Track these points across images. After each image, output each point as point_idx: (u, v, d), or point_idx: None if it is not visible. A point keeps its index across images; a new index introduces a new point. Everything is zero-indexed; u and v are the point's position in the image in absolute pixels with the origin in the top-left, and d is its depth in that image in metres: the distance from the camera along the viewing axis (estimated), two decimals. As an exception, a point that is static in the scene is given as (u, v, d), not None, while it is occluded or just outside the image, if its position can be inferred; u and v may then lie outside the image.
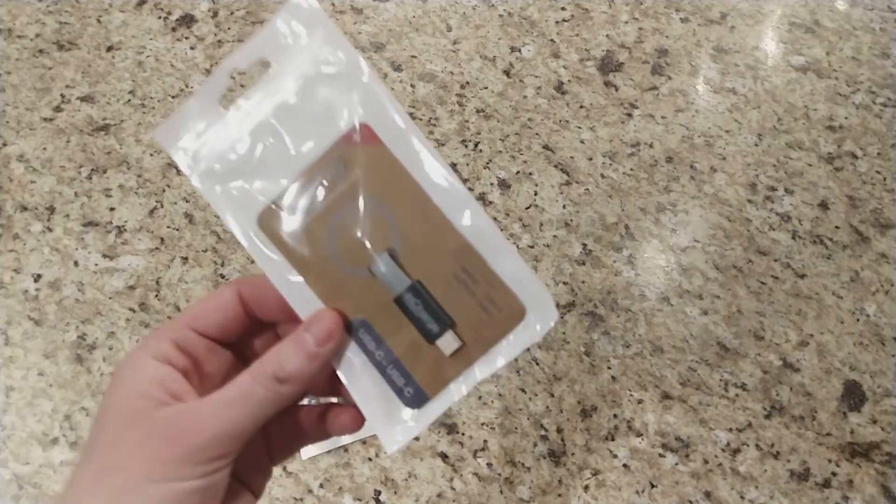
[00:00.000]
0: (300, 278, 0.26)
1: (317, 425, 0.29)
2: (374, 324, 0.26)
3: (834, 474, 0.54)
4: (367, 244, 0.26)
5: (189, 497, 0.23)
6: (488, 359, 0.26)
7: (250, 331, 0.28)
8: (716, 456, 0.55)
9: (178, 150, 0.27)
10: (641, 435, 0.55)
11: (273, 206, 0.27)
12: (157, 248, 0.63)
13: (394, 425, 0.27)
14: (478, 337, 0.26)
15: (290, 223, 0.26)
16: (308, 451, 0.54)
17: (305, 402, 0.29)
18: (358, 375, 0.27)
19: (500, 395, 0.57)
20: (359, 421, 0.28)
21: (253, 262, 0.62)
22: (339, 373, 0.27)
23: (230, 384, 0.25)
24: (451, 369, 0.26)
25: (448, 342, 0.26)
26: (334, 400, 0.29)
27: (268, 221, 0.27)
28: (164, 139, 0.27)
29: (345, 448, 0.55)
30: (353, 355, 0.27)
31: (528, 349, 0.59)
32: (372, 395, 0.27)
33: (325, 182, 0.26)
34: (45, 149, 0.68)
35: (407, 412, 0.27)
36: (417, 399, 0.26)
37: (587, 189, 0.66)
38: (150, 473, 0.23)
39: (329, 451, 0.55)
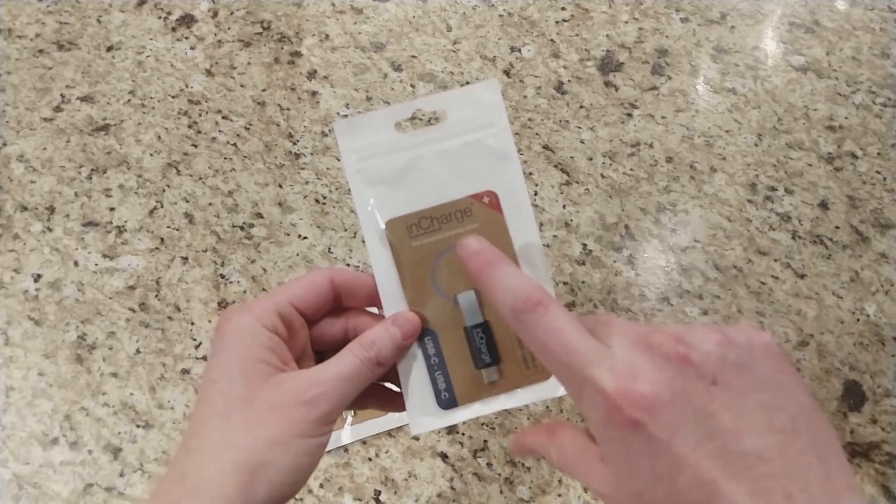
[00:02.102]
0: (399, 281, 0.33)
1: (368, 396, 0.33)
2: (441, 338, 0.33)
3: (834, 474, 0.54)
4: (461, 280, 0.33)
5: (319, 449, 0.28)
6: (511, 396, 0.33)
7: (326, 313, 0.33)
8: (716, 456, 0.55)
9: (349, 146, 0.33)
10: (641, 435, 0.55)
11: (402, 219, 0.33)
12: (157, 248, 0.63)
13: (424, 416, 0.33)
14: (512, 378, 0.33)
15: (410, 237, 0.33)
16: (308, 451, 0.54)
17: None
18: (412, 369, 0.33)
19: (500, 395, 0.57)
20: (402, 406, 0.33)
21: (254, 261, 0.62)
22: (398, 363, 0.32)
23: (340, 362, 0.29)
24: (483, 392, 0.33)
25: (491, 373, 0.33)
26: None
27: (393, 229, 0.33)
28: (341, 134, 0.33)
29: (345, 448, 0.55)
30: (414, 352, 0.33)
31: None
32: (416, 386, 0.33)
33: (448, 220, 0.33)
34: (45, 149, 0.68)
35: (437, 409, 0.33)
36: (449, 403, 0.33)
37: (587, 189, 0.66)
38: (295, 431, 0.27)
39: (329, 451, 0.55)
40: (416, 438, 0.55)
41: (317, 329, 0.33)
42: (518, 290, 0.26)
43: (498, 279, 0.27)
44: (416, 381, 0.33)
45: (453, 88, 0.34)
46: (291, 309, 0.31)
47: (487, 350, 0.32)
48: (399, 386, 0.33)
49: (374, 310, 0.34)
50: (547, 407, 0.56)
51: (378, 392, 0.34)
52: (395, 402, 0.33)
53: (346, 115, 0.70)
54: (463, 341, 0.33)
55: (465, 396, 0.32)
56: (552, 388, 0.32)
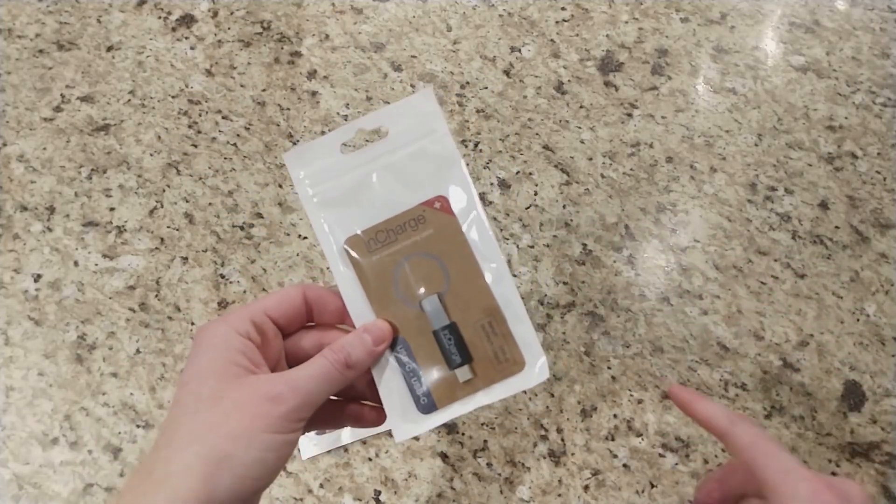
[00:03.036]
0: (364, 295, 0.34)
1: (345, 416, 0.35)
2: (412, 345, 0.34)
3: (834, 474, 0.54)
4: (423, 286, 0.34)
5: (286, 447, 0.29)
6: (489, 392, 0.34)
7: (300, 325, 0.34)
8: (716, 456, 0.55)
9: (299, 173, 0.35)
10: (641, 435, 0.56)
11: (359, 235, 0.34)
12: (157, 248, 0.63)
13: (406, 422, 0.33)
14: (486, 375, 0.34)
15: (369, 252, 0.34)
16: (308, 451, 0.54)
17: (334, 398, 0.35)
18: (389, 378, 0.33)
19: (500, 395, 0.57)
20: (382, 419, 0.34)
21: (254, 261, 0.62)
22: (374, 373, 0.33)
23: (310, 364, 0.31)
24: (459, 392, 0.33)
25: (464, 372, 0.33)
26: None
27: (353, 245, 0.34)
28: (291, 163, 0.35)
29: (345, 448, 0.55)
30: (388, 363, 0.34)
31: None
32: (395, 395, 0.33)
33: (403, 230, 0.34)
34: (45, 149, 0.68)
35: (418, 415, 0.33)
36: (429, 407, 0.33)
37: (587, 189, 0.66)
38: (260, 425, 0.28)
39: (329, 451, 0.55)
40: (416, 438, 0.55)
41: (291, 343, 0.34)
42: (720, 411, 0.33)
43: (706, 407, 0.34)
44: (395, 390, 0.33)
45: (393, 103, 0.35)
46: (265, 318, 0.32)
47: (457, 350, 0.33)
48: (373, 401, 0.34)
49: (347, 328, 0.35)
50: (547, 407, 0.56)
51: (351, 411, 0.35)
52: (370, 418, 0.35)
53: (345, 116, 0.70)
54: (433, 345, 0.33)
55: (443, 398, 0.33)
56: (526, 380, 0.33)
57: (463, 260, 0.34)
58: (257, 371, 0.30)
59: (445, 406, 0.33)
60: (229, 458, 0.27)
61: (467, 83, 0.72)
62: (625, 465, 0.54)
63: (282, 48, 0.74)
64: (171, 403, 0.29)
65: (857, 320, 0.60)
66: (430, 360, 0.33)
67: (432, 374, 0.33)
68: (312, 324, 0.35)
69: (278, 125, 0.69)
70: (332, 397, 0.33)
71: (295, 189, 0.36)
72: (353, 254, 0.34)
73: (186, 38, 0.74)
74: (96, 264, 0.62)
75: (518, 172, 0.67)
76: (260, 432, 0.28)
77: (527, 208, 0.65)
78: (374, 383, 0.34)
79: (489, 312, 0.34)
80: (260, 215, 0.64)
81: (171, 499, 0.26)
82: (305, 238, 0.63)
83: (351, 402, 0.35)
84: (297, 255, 0.62)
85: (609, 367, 0.58)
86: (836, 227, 0.64)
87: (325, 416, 0.34)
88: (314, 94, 0.71)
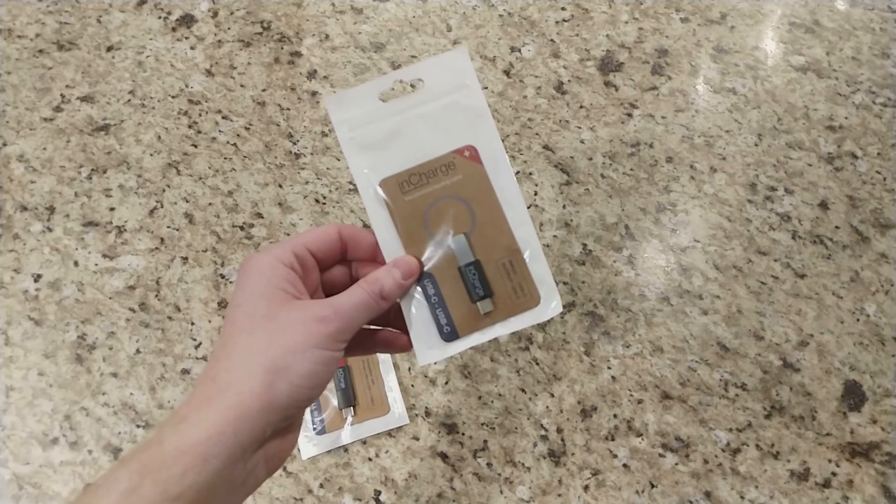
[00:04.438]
0: (396, 233, 0.36)
1: (377, 342, 0.38)
2: (438, 279, 0.36)
3: (834, 474, 0.54)
4: (451, 226, 0.37)
5: (332, 363, 0.32)
6: (506, 324, 0.36)
7: (336, 261, 0.37)
8: (716, 456, 0.55)
9: (340, 119, 0.37)
10: (641, 435, 0.56)
11: (393, 178, 0.37)
12: (157, 248, 0.63)
13: (430, 348, 0.36)
14: (504, 308, 0.36)
15: (402, 193, 0.37)
16: (308, 451, 0.54)
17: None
18: (415, 309, 0.36)
19: (500, 395, 0.57)
20: (410, 345, 0.37)
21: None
22: (402, 304, 0.36)
23: (350, 293, 0.33)
24: (480, 322, 0.36)
25: (485, 305, 0.36)
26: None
27: (387, 186, 0.37)
28: (332, 107, 0.37)
29: (345, 448, 0.55)
30: (415, 295, 0.36)
31: (529, 349, 0.59)
32: (421, 324, 0.36)
33: (435, 174, 0.37)
34: (45, 149, 0.68)
35: (441, 342, 0.36)
36: (451, 335, 0.36)
37: (587, 189, 0.66)
38: (311, 342, 0.31)
39: (329, 451, 0.55)
40: (416, 438, 0.55)
41: (328, 276, 0.37)
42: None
43: None
44: (420, 319, 0.36)
45: (430, 57, 0.37)
46: (306, 251, 0.35)
47: (480, 284, 0.36)
48: (401, 329, 0.37)
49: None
50: (547, 407, 0.56)
51: (382, 337, 0.38)
52: (399, 344, 0.38)
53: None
54: (458, 280, 0.36)
55: (465, 328, 0.36)
56: (540, 314, 0.36)
57: (488, 204, 0.37)
58: (302, 297, 0.33)
59: (466, 335, 0.36)
60: (287, 369, 0.30)
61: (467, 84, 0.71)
62: (625, 465, 0.54)
63: (282, 48, 0.74)
64: (224, 323, 0.33)
65: (857, 320, 0.60)
66: (455, 294, 0.36)
67: (456, 306, 0.36)
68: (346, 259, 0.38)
69: (278, 125, 0.69)
70: (365, 326, 0.36)
71: (335, 132, 0.39)
72: (387, 195, 0.37)
73: (186, 38, 0.74)
74: (96, 264, 0.62)
75: (518, 172, 0.67)
76: (312, 347, 0.31)
77: (527, 208, 0.65)
78: (401, 314, 0.37)
79: (510, 252, 0.37)
80: (260, 215, 0.64)
81: (236, 402, 0.29)
82: (305, 238, 0.63)
83: (382, 329, 0.38)
84: (297, 255, 0.62)
85: (609, 367, 0.58)
86: (836, 227, 0.64)
87: (361, 341, 0.37)
88: (314, 94, 0.71)
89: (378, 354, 0.58)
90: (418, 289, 0.36)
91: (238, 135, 0.69)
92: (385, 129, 0.37)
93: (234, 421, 0.29)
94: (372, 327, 0.38)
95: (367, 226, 0.38)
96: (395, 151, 0.37)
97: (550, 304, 0.37)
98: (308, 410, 0.35)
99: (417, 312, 0.37)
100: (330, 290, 0.37)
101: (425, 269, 0.37)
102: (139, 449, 0.28)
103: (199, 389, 0.30)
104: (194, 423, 0.29)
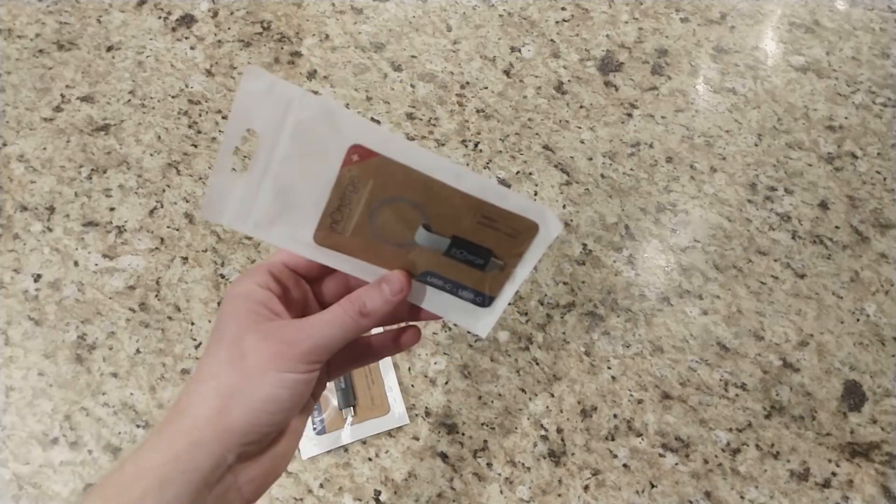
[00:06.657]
0: (363, 264, 0.35)
1: (374, 351, 0.38)
2: (438, 271, 0.35)
3: (834, 474, 0.54)
4: (405, 226, 0.34)
5: (299, 385, 0.31)
6: (524, 264, 0.35)
7: (325, 272, 0.37)
8: (716, 456, 0.55)
9: (231, 220, 0.34)
10: (641, 435, 0.56)
11: (319, 226, 0.34)
12: (157, 248, 0.63)
13: (479, 319, 0.36)
14: (511, 254, 0.35)
15: (339, 233, 0.34)
16: (308, 451, 0.54)
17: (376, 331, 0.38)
18: (436, 300, 0.36)
19: (500, 395, 0.57)
20: (417, 337, 0.37)
21: (253, 261, 0.62)
22: (422, 305, 0.36)
23: (327, 312, 0.33)
24: (502, 277, 0.36)
25: (493, 265, 0.35)
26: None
27: (322, 237, 0.34)
28: (211, 217, 0.34)
29: (345, 448, 0.55)
30: (428, 292, 0.36)
31: (529, 349, 0.59)
32: (456, 309, 0.36)
33: (349, 198, 0.34)
34: (45, 149, 0.68)
35: (483, 311, 0.36)
36: (488, 301, 0.36)
37: (587, 189, 0.66)
38: (273, 364, 0.31)
39: (329, 451, 0.55)
40: (416, 438, 0.55)
41: (324, 287, 0.37)
42: None
43: None
44: (452, 306, 0.36)
45: (235, 103, 0.32)
46: (283, 268, 0.35)
47: (475, 255, 0.35)
48: (419, 318, 0.37)
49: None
50: (547, 407, 0.56)
51: (379, 343, 0.38)
52: (409, 338, 0.37)
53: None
54: (455, 262, 0.35)
55: (494, 289, 0.36)
56: (547, 236, 0.35)
57: (417, 184, 0.33)
58: (276, 318, 0.33)
59: (498, 293, 0.36)
60: (241, 393, 0.30)
61: (467, 83, 0.72)
62: (625, 465, 0.54)
63: (282, 48, 0.74)
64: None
65: (857, 320, 0.60)
66: (462, 273, 0.35)
67: (473, 280, 0.36)
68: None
69: (278, 125, 0.69)
70: (376, 330, 0.36)
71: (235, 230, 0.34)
72: (328, 244, 0.34)
73: (186, 38, 0.74)
74: (96, 264, 0.62)
75: (518, 172, 0.67)
76: (272, 371, 0.30)
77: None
78: (414, 309, 0.37)
79: (475, 208, 0.34)
80: (260, 215, 0.64)
81: (190, 426, 0.29)
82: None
83: (381, 333, 0.38)
84: (297, 255, 0.62)
85: (609, 367, 0.58)
86: (836, 227, 0.64)
87: (356, 356, 0.38)
88: (314, 94, 0.71)
89: None
90: (427, 287, 0.36)
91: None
92: (267, 195, 0.33)
93: (188, 446, 0.29)
94: (373, 333, 0.37)
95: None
96: (297, 205, 0.33)
97: (549, 224, 0.35)
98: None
99: (443, 302, 0.36)
100: (325, 304, 0.36)
101: (418, 271, 0.35)
102: (106, 474, 0.28)
103: (167, 415, 0.31)
104: (151, 447, 0.29)
